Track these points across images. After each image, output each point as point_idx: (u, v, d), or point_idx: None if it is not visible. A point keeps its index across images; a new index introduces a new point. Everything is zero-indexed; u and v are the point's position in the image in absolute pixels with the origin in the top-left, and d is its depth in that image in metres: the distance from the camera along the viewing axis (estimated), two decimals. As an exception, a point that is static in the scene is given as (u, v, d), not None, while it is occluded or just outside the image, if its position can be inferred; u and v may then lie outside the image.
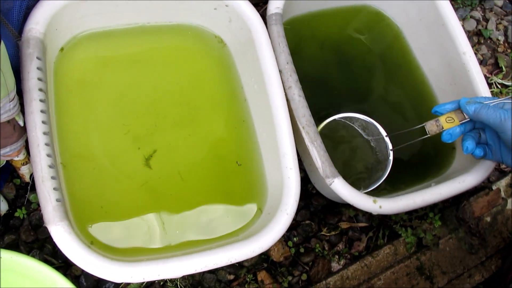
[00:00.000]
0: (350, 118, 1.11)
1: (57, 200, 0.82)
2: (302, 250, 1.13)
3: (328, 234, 1.16)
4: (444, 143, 1.19)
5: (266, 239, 0.90)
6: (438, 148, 1.20)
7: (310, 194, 1.18)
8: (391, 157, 1.08)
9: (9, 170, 1.03)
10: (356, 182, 1.08)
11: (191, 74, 1.10)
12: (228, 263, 0.87)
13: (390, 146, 1.08)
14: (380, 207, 0.98)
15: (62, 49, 1.02)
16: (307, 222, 1.16)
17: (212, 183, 1.03)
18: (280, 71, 1.01)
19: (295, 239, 1.14)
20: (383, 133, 1.08)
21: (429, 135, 0.98)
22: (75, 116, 1.00)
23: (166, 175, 1.01)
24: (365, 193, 0.99)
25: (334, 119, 1.09)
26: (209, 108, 1.08)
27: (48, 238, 1.02)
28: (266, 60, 1.01)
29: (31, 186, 1.03)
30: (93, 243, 0.90)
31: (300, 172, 0.97)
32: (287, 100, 1.00)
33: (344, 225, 1.17)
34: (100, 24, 1.05)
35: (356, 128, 1.11)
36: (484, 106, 0.92)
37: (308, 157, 1.05)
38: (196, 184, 1.02)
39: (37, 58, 0.88)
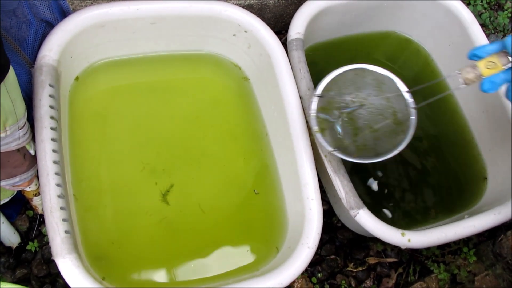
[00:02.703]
0: (363, 71, 0.91)
1: (66, 232, 0.78)
2: (327, 287, 1.07)
3: (355, 270, 1.10)
4: (474, 173, 1.13)
5: (286, 274, 0.85)
6: (468, 178, 1.14)
7: (335, 228, 1.12)
8: (413, 116, 0.89)
9: (22, 201, 1.00)
10: (371, 150, 0.91)
11: (208, 103, 1.07)
12: (245, 299, 0.82)
13: (413, 104, 0.89)
14: (409, 240, 0.91)
15: (77, 78, 1.00)
16: (332, 257, 1.10)
17: (231, 215, 0.99)
18: (301, 98, 0.97)
19: (319, 275, 1.07)
20: (403, 88, 0.90)
21: (463, 86, 0.80)
22: (90, 147, 0.98)
23: (184, 209, 0.97)
24: (392, 222, 0.93)
25: (342, 73, 0.90)
26: (227, 138, 1.04)
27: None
28: (286, 86, 0.97)
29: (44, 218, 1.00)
30: (105, 279, 0.86)
31: (324, 205, 0.92)
32: (309, 128, 0.96)
33: (371, 260, 1.11)
34: (117, 52, 1.03)
35: (370, 83, 0.92)
36: None
37: (332, 188, 1.00)
38: (215, 217, 0.98)
39: (50, 85, 0.86)
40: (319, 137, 0.87)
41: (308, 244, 0.88)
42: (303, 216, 0.91)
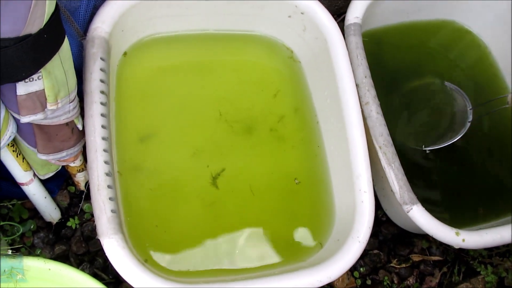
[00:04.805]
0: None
1: (112, 211, 0.76)
2: (369, 282, 1.04)
3: (398, 266, 1.06)
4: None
5: (336, 268, 0.81)
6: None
7: (380, 221, 1.09)
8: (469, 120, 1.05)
9: (64, 176, 0.98)
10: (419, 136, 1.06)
11: (259, 87, 1.03)
12: (293, 292, 0.79)
13: (470, 105, 1.06)
14: (464, 240, 0.88)
15: (125, 53, 0.97)
16: (375, 251, 1.06)
17: (278, 203, 0.96)
18: (357, 85, 0.93)
19: (361, 269, 1.04)
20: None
21: (508, 105, 1.00)
22: (137, 125, 0.95)
23: (233, 195, 0.94)
24: (445, 223, 0.89)
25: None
26: (277, 124, 1.01)
27: (100, 251, 0.96)
28: (342, 72, 0.93)
29: (86, 195, 0.97)
30: (147, 261, 0.83)
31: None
32: (363, 117, 0.92)
33: (415, 258, 1.07)
34: (167, 28, 1.00)
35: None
36: None
37: (381, 180, 0.96)
38: (263, 204, 0.95)
39: (101, 59, 0.83)
40: None
41: (359, 238, 0.84)
42: (354, 209, 0.87)
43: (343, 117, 0.91)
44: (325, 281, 0.80)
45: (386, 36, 1.14)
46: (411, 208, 0.87)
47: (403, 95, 1.10)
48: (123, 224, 0.81)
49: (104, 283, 0.79)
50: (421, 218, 0.87)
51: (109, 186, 0.77)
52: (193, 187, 0.93)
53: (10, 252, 0.78)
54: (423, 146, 1.05)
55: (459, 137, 1.05)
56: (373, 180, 1.01)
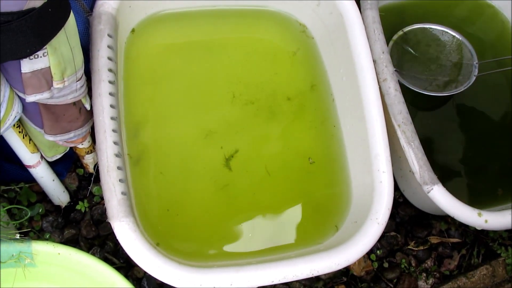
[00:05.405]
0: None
1: (123, 193, 0.73)
2: (386, 265, 1.01)
3: (416, 249, 1.03)
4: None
5: (354, 251, 0.79)
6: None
7: (397, 203, 1.06)
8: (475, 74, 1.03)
9: (72, 158, 0.95)
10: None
11: (271, 64, 1.00)
12: (310, 275, 0.76)
13: (476, 59, 1.03)
14: (486, 221, 0.85)
15: (133, 30, 0.94)
16: (393, 233, 1.03)
17: (292, 184, 0.93)
18: (374, 61, 0.89)
19: (378, 252, 1.01)
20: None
21: None
22: (146, 105, 0.92)
23: (246, 177, 0.92)
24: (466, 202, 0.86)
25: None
26: (291, 101, 0.98)
27: (110, 235, 0.94)
28: (359, 48, 0.89)
29: (95, 178, 0.95)
30: (159, 245, 0.81)
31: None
32: (381, 94, 0.88)
33: (434, 240, 1.04)
34: (175, 4, 0.97)
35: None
36: None
37: (398, 160, 0.93)
38: (277, 185, 0.92)
39: (109, 35, 0.80)
40: None
41: (377, 219, 0.81)
42: (372, 190, 0.84)
43: (360, 94, 0.88)
44: (343, 264, 0.78)
45: (404, 11, 1.10)
46: (432, 188, 0.84)
47: (406, 34, 1.06)
48: (134, 207, 0.79)
49: (115, 268, 0.77)
50: (442, 199, 0.84)
51: (119, 168, 0.75)
52: (206, 170, 0.90)
53: (18, 236, 0.76)
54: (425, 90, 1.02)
55: (463, 89, 1.01)
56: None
